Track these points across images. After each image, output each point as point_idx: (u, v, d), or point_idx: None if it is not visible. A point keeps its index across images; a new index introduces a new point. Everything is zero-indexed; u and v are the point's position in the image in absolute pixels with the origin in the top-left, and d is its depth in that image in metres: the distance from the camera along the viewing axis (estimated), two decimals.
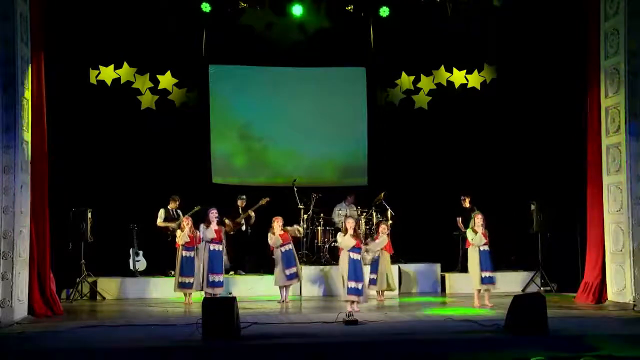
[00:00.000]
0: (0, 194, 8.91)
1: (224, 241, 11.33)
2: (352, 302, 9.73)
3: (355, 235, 9.79)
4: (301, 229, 12.09)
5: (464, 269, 12.68)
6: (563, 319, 8.81)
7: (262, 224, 12.29)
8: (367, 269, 10.96)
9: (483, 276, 10.36)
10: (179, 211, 12.38)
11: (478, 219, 10.46)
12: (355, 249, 9.78)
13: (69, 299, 11.50)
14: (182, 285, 11.01)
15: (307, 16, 13.59)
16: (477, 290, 10.46)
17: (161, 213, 12.38)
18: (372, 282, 11.32)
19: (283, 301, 11.13)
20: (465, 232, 12.88)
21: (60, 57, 11.58)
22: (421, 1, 13.02)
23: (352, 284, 9.68)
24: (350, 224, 9.82)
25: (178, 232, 11.22)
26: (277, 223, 11.16)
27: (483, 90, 14.49)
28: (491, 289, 10.46)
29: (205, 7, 12.92)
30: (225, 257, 11.51)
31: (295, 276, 11.25)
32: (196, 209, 11.84)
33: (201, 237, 10.90)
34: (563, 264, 12.41)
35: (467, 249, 10.81)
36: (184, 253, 11.04)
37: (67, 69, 12.35)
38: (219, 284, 10.73)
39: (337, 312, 8.90)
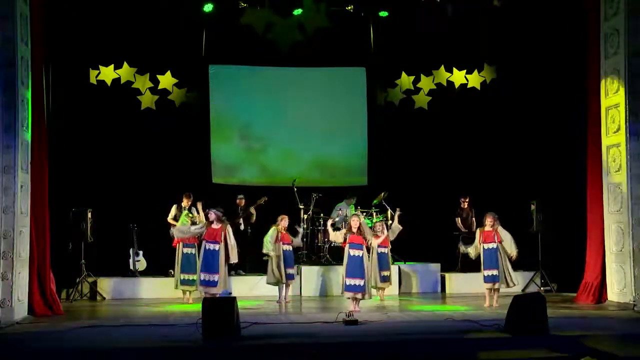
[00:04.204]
0: (0, 194, 8.91)
1: (222, 240, 11.21)
2: (355, 299, 9.74)
3: (359, 233, 9.79)
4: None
5: (464, 269, 12.72)
6: (563, 319, 8.82)
7: (262, 224, 12.27)
8: (373, 267, 10.98)
9: (485, 275, 10.38)
10: (192, 209, 12.29)
11: (488, 220, 10.48)
12: (356, 245, 9.78)
13: (69, 299, 11.50)
14: (184, 283, 11.01)
15: (307, 16, 13.60)
16: (487, 290, 10.46)
17: (172, 210, 12.27)
18: (386, 278, 11.32)
19: (281, 301, 11.14)
20: (464, 232, 12.98)
21: (60, 57, 11.59)
22: (421, 1, 13.01)
23: (350, 281, 9.69)
24: (355, 222, 9.83)
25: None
26: (284, 222, 11.18)
27: (483, 90, 14.49)
28: (495, 287, 10.43)
29: (208, 8, 12.90)
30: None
31: (292, 277, 11.31)
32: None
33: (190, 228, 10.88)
34: (563, 264, 12.41)
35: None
36: (184, 250, 11.04)
37: (67, 69, 12.36)
38: (212, 284, 10.49)
39: (337, 312, 8.90)
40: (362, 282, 9.71)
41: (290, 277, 11.25)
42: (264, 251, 11.21)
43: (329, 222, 10.73)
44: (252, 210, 12.84)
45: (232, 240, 10.70)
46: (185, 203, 12.25)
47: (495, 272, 10.38)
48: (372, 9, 13.62)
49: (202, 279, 10.53)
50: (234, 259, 10.70)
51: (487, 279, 10.41)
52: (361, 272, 9.75)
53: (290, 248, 11.28)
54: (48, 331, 8.35)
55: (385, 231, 11.52)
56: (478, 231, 10.64)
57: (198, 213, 11.75)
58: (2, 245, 8.87)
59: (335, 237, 10.16)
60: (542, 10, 12.58)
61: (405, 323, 8.83)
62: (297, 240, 11.58)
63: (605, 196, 10.52)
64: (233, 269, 12.20)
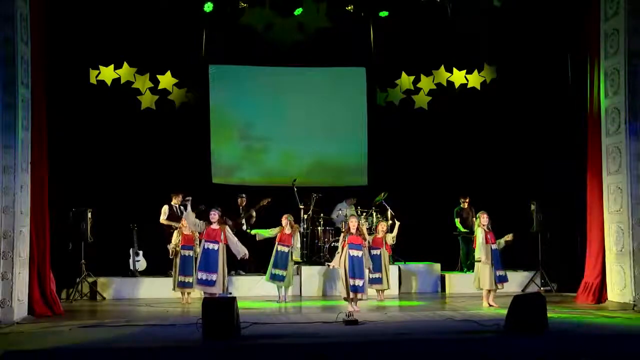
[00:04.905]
0: (0, 194, 8.91)
1: (223, 241, 11.21)
2: (353, 300, 9.74)
3: (358, 233, 9.78)
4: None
5: (464, 269, 12.72)
6: (563, 319, 8.82)
7: (262, 224, 12.28)
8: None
9: (498, 275, 10.34)
10: (182, 207, 12.35)
11: (484, 218, 10.45)
12: (355, 245, 9.77)
13: (69, 299, 11.50)
14: (182, 284, 11.01)
15: (307, 16, 13.60)
16: (486, 291, 10.44)
17: (165, 209, 12.31)
18: (376, 280, 11.32)
19: (281, 301, 11.16)
20: (463, 232, 12.98)
21: (60, 57, 11.59)
22: (421, 1, 13.01)
23: (351, 281, 9.70)
24: (353, 223, 9.83)
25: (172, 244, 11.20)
26: (286, 221, 11.17)
27: (483, 90, 14.50)
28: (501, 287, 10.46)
29: (208, 7, 12.87)
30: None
31: (280, 279, 11.15)
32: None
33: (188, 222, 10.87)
34: (563, 264, 12.42)
35: (472, 249, 10.83)
36: (182, 252, 11.04)
37: (67, 69, 12.35)
38: (210, 283, 10.48)
39: (337, 312, 8.90)
40: (361, 283, 9.73)
41: (275, 277, 11.10)
42: (253, 232, 11.39)
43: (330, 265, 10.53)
44: (252, 212, 12.84)
45: (233, 238, 10.75)
46: (175, 201, 12.31)
47: (503, 272, 10.40)
48: (372, 9, 13.61)
49: (199, 277, 10.54)
50: (243, 251, 10.72)
51: (498, 280, 10.37)
52: (360, 272, 9.75)
53: (286, 250, 11.14)
54: (48, 331, 8.35)
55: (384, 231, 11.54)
56: (483, 232, 10.43)
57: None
58: (2, 245, 8.87)
59: (337, 262, 10.06)
60: (542, 10, 12.58)
61: (405, 323, 8.82)
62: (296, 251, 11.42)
63: (605, 196, 10.52)
64: (233, 269, 12.23)
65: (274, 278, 11.13)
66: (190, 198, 10.78)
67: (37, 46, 9.75)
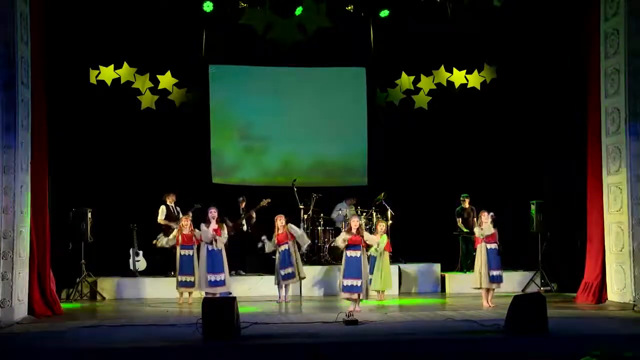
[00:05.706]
0: (0, 194, 8.91)
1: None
2: (354, 300, 9.75)
3: (359, 233, 9.78)
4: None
5: (463, 269, 12.72)
6: (563, 319, 8.82)
7: (262, 224, 12.28)
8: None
9: (491, 274, 10.34)
10: (178, 208, 12.40)
11: (484, 217, 10.45)
12: (353, 246, 9.76)
13: (69, 299, 11.50)
14: (182, 284, 11.02)
15: (307, 16, 13.60)
16: (485, 290, 10.43)
17: (162, 209, 12.35)
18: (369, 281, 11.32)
19: (281, 301, 11.17)
20: (464, 232, 12.97)
21: (60, 57, 11.59)
22: (421, 1, 13.01)
23: (347, 282, 9.72)
24: (355, 222, 9.83)
25: (171, 235, 11.21)
26: (280, 221, 11.18)
27: (483, 90, 14.50)
28: (496, 287, 10.46)
29: (208, 7, 12.85)
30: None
31: (291, 276, 11.23)
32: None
33: (199, 238, 10.91)
34: (563, 264, 12.42)
35: (473, 249, 10.84)
36: (182, 252, 11.04)
37: (67, 69, 12.36)
38: (220, 283, 10.68)
39: (337, 312, 8.90)
40: (359, 283, 9.73)
41: (283, 277, 11.18)
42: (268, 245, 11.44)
43: (340, 240, 10.12)
44: (253, 213, 12.85)
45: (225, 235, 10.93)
46: (170, 201, 12.34)
47: (498, 272, 10.39)
48: (372, 9, 13.60)
49: (209, 280, 10.58)
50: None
51: (493, 279, 10.39)
52: (358, 272, 9.75)
53: (286, 247, 11.18)
54: (48, 331, 8.35)
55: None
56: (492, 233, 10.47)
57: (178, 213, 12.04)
58: (2, 245, 8.87)
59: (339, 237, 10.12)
60: (542, 10, 12.58)
61: (405, 323, 8.83)
62: (302, 239, 11.45)
63: (605, 196, 10.51)
64: (233, 269, 12.23)
65: (285, 278, 11.17)
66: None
67: (37, 46, 9.75)
